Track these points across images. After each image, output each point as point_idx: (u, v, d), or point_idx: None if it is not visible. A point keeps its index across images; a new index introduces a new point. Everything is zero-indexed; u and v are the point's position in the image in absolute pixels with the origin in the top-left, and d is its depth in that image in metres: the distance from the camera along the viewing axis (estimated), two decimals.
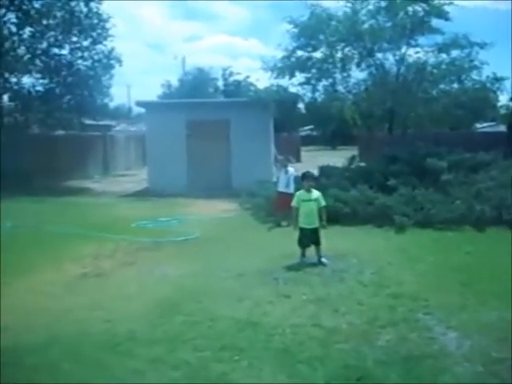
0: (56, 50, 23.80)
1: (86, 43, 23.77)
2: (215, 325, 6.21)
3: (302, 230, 9.35)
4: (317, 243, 9.26)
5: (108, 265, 9.21)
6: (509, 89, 29.68)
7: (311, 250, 9.37)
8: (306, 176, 9.66)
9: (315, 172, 17.70)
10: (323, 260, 9.12)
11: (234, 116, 20.59)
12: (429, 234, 11.64)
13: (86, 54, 23.89)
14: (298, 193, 9.67)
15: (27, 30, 23.07)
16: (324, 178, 15.82)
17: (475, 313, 6.52)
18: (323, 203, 9.47)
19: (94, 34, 23.61)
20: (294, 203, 9.46)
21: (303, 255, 9.30)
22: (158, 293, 7.50)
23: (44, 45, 23.42)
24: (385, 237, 11.50)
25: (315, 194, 9.47)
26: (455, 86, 21.92)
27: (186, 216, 14.24)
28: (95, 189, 22.53)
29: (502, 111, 40.33)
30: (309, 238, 9.27)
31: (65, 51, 23.90)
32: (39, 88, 23.99)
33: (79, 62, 24.12)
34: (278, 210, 12.97)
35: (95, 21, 23.51)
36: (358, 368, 5.06)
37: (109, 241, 11.11)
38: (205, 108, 21.76)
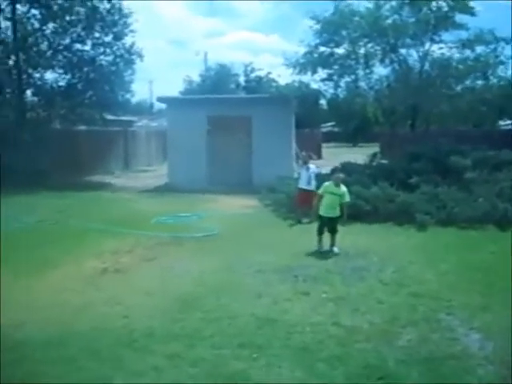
0: (78, 46, 23.85)
1: (107, 39, 23.82)
2: (234, 322, 6.17)
3: (320, 217, 9.88)
4: (333, 232, 9.72)
5: (128, 260, 9.22)
6: None
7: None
8: (336, 170, 10.26)
9: None
10: (335, 249, 9.55)
11: (256, 112, 20.50)
12: (451, 233, 11.48)
13: (107, 49, 23.93)
14: (326, 183, 10.04)
15: (50, 26, 23.13)
16: (345, 175, 15.64)
17: (498, 314, 6.39)
18: (347, 199, 9.88)
19: (116, 29, 23.66)
20: (320, 191, 9.97)
21: (320, 242, 9.76)
22: (177, 289, 7.48)
23: (67, 40, 23.50)
24: (406, 235, 11.37)
25: (342, 189, 9.84)
26: (480, 82, 21.65)
27: (206, 212, 14.22)
28: (116, 184, 22.61)
29: None
30: (326, 225, 9.76)
31: (87, 47, 23.92)
32: (62, 83, 24.07)
33: (101, 57, 24.13)
34: (298, 206, 12.91)
35: (117, 17, 23.55)
36: (379, 368, 4.99)
37: (129, 236, 11.13)
38: (226, 104, 21.70)
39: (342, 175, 10.12)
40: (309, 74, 21.48)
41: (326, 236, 9.89)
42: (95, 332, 5.90)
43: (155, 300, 7.00)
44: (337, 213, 9.75)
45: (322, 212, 9.87)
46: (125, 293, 7.34)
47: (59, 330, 5.94)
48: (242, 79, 59.01)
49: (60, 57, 23.52)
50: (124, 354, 5.32)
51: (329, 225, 9.78)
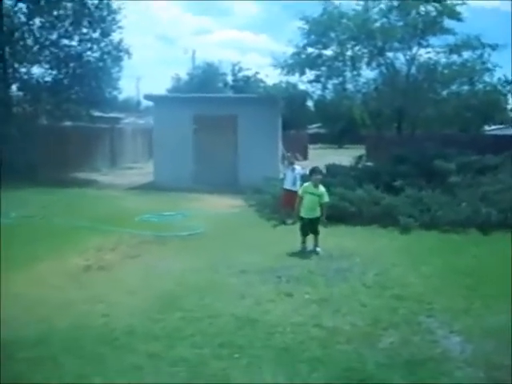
0: (66, 41, 23.74)
1: (95, 35, 23.71)
2: (215, 321, 6.16)
3: (302, 219, 10.01)
4: (315, 232, 9.87)
5: (111, 258, 9.18)
6: None
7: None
8: (314, 171, 10.22)
9: (322, 170, 17.69)
10: (317, 249, 9.68)
11: (242, 112, 20.50)
12: (434, 236, 11.56)
13: (95, 45, 23.83)
14: (305, 184, 10.26)
15: (37, 21, 23.02)
16: (330, 177, 15.72)
17: (479, 317, 6.44)
18: (326, 199, 10.01)
19: (104, 25, 23.56)
20: (300, 192, 10.11)
21: (304, 243, 9.87)
22: (160, 287, 7.46)
23: (54, 36, 23.39)
24: (390, 237, 11.42)
25: (321, 189, 9.95)
26: (466, 87, 21.80)
27: (191, 211, 14.20)
28: (102, 181, 22.53)
29: None
30: (308, 226, 9.88)
31: (74, 42, 23.83)
32: (48, 79, 23.94)
33: (88, 53, 24.06)
34: (283, 207, 12.92)
35: (105, 12, 23.46)
36: (360, 370, 5.00)
37: (113, 234, 11.09)
38: (213, 103, 21.70)
39: (320, 176, 10.16)
40: (296, 74, 21.49)
41: (311, 236, 9.95)
42: (76, 330, 5.86)
43: (137, 298, 6.97)
44: (317, 213, 9.90)
45: (302, 213, 9.99)
46: (107, 291, 7.31)
47: (40, 328, 5.89)
48: (229, 78, 59.02)
49: (47, 52, 23.41)
50: (105, 353, 5.28)
51: (310, 226, 9.91)
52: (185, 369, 4.97)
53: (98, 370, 4.95)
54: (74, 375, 4.87)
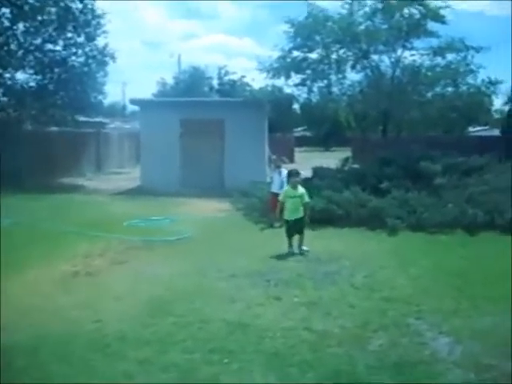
0: (50, 46, 23.58)
1: (80, 39, 23.59)
2: (206, 326, 6.15)
3: (286, 221, 10.16)
4: (300, 232, 10.04)
5: (99, 264, 9.14)
6: (504, 92, 29.82)
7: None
8: (292, 174, 10.51)
9: (308, 173, 17.77)
10: (304, 248, 9.90)
11: (229, 116, 20.53)
12: (421, 238, 11.63)
13: (80, 50, 23.71)
14: (285, 189, 10.58)
15: (21, 26, 22.86)
16: (317, 179, 15.79)
17: (468, 318, 6.49)
18: (307, 199, 10.22)
19: (89, 30, 23.44)
20: (280, 198, 10.36)
21: (291, 245, 10.00)
22: (149, 293, 7.43)
23: (38, 40, 23.21)
24: (377, 239, 11.47)
25: (300, 190, 10.19)
26: (450, 89, 21.97)
27: (179, 215, 14.16)
28: (88, 186, 22.43)
29: (496, 115, 40.43)
30: (293, 227, 10.02)
31: (59, 47, 23.67)
32: (32, 84, 23.79)
33: (73, 58, 23.91)
34: (271, 210, 12.90)
35: (90, 17, 23.35)
36: (350, 373, 5.02)
37: (100, 239, 11.04)
38: (199, 107, 21.69)
39: (298, 178, 10.33)
40: (282, 78, 21.56)
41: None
42: (66, 337, 5.83)
43: (127, 304, 6.95)
44: (300, 214, 10.06)
45: (286, 216, 10.16)
46: (96, 297, 7.28)
47: (30, 335, 5.85)
48: (215, 82, 59.07)
49: (31, 57, 23.24)
50: (96, 359, 5.27)
51: (295, 226, 10.04)
52: (176, 374, 4.97)
53: (89, 376, 4.93)
54: (65, 382, 4.84)
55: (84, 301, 7.09)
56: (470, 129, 40.48)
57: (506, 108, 33.84)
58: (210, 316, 6.48)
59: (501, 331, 6.07)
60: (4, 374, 4.98)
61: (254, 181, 16.86)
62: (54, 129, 26.03)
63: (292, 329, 6.11)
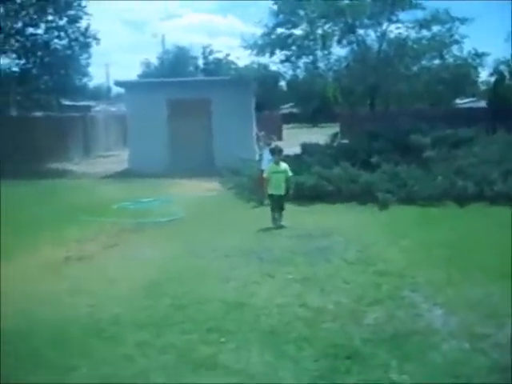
0: (31, 30, 23.33)
1: (62, 22, 23.28)
2: (202, 307, 6.16)
3: (271, 196, 10.59)
4: (281, 208, 10.47)
5: (91, 248, 9.10)
6: (490, 64, 29.86)
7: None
8: (275, 151, 11.02)
9: (297, 150, 17.75)
10: (282, 223, 10.30)
11: (215, 95, 20.40)
12: (412, 211, 11.68)
13: (62, 33, 23.40)
14: (269, 166, 10.96)
15: (0, 9, 22.51)
16: (306, 156, 15.78)
17: (461, 289, 6.54)
18: (290, 174, 10.68)
19: (70, 12, 23.11)
20: (265, 175, 10.76)
21: (275, 218, 10.39)
22: (143, 275, 7.42)
23: (19, 24, 22.91)
24: (369, 214, 11.53)
25: (283, 166, 10.65)
26: (437, 61, 21.94)
27: (169, 196, 14.13)
28: (76, 171, 22.27)
29: (483, 87, 40.45)
30: (276, 202, 10.46)
31: (40, 30, 23.41)
32: (15, 69, 23.54)
33: (56, 41, 23.65)
34: (261, 188, 12.89)
35: None
36: (346, 347, 5.05)
37: (91, 223, 10.98)
38: (185, 87, 21.53)
39: (280, 155, 10.77)
40: (267, 55, 21.41)
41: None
42: (61, 322, 5.81)
43: (121, 288, 6.93)
44: (283, 190, 10.49)
45: (271, 191, 10.56)
46: (89, 281, 7.25)
47: (24, 321, 5.83)
48: (200, 62, 58.68)
49: (12, 41, 22.94)
50: (93, 344, 5.26)
51: (278, 202, 10.47)
52: (174, 355, 4.98)
53: (85, 361, 4.93)
54: (61, 368, 4.84)
55: (77, 286, 7.05)
56: (457, 101, 40.56)
57: (492, 79, 33.83)
58: (205, 296, 6.47)
59: (493, 301, 6.13)
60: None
61: (243, 159, 16.79)
62: (40, 114, 25.80)
63: (287, 306, 6.13)
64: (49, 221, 11.32)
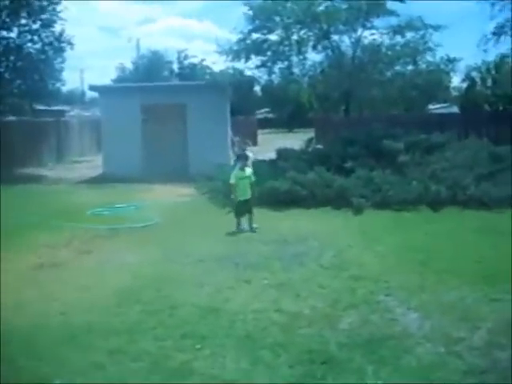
0: (4, 33, 22.94)
1: (35, 26, 22.98)
2: (176, 313, 6.11)
3: (238, 201, 10.72)
4: (249, 212, 10.64)
5: (64, 254, 8.98)
6: (461, 70, 30.24)
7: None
8: (240, 157, 11.57)
9: (272, 155, 17.76)
10: (254, 225, 10.47)
11: (190, 99, 20.33)
12: (387, 215, 11.76)
13: (35, 37, 23.09)
14: (234, 172, 11.08)
15: None
16: (281, 161, 15.80)
17: (435, 293, 6.59)
18: (253, 179, 10.94)
19: (44, 16, 22.84)
20: (231, 181, 10.87)
21: (239, 224, 10.59)
22: (116, 282, 7.34)
23: None
24: (343, 219, 11.57)
25: (248, 171, 10.96)
26: (410, 67, 22.16)
27: (143, 202, 14.02)
28: (49, 176, 21.98)
29: (455, 92, 40.96)
30: (243, 207, 10.62)
31: (13, 34, 23.05)
32: None
33: (29, 45, 23.31)
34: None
35: (45, 3, 22.74)
36: (322, 352, 5.05)
37: (64, 229, 10.83)
38: (160, 92, 21.44)
39: (246, 161, 11.09)
40: (242, 60, 21.38)
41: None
42: (33, 329, 5.72)
43: (94, 294, 6.84)
44: (249, 194, 10.72)
45: (239, 197, 10.72)
46: (62, 288, 7.15)
47: None
48: (175, 66, 58.47)
49: None
50: (64, 352, 5.17)
51: (245, 206, 10.62)
52: (148, 363, 4.92)
53: (58, 370, 4.84)
54: (33, 377, 4.74)
55: (50, 293, 6.95)
56: (430, 106, 40.99)
57: (464, 85, 34.30)
58: (179, 302, 6.43)
59: (467, 304, 6.18)
60: None
61: (219, 164, 16.74)
62: (12, 118, 25.44)
63: (263, 311, 6.11)
64: (22, 227, 11.14)
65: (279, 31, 20.99)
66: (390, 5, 20.93)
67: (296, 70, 22.86)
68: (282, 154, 17.47)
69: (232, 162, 16.00)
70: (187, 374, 4.72)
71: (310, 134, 26.51)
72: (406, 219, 11.43)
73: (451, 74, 24.97)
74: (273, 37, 21.16)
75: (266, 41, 21.19)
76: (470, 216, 11.40)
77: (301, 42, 21.11)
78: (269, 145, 27.02)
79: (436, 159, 14.30)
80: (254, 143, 34.66)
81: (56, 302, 6.57)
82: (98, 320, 5.95)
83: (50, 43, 23.27)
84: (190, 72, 53.26)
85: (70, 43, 23.75)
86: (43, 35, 23.15)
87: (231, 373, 4.74)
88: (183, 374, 4.72)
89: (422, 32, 20.96)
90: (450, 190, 12.60)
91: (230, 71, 22.18)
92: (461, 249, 8.55)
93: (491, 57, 30.15)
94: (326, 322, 5.76)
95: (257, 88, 43.98)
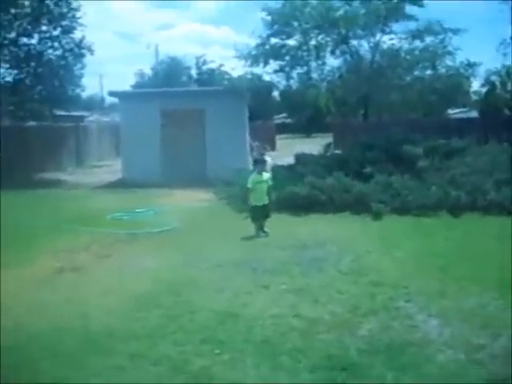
0: (25, 40, 23.25)
1: (56, 32, 23.25)
2: (195, 318, 6.12)
3: (254, 207, 10.67)
4: (267, 216, 10.66)
5: (84, 258, 9.05)
6: (481, 74, 30.04)
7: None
8: (257, 161, 11.57)
9: (291, 160, 17.76)
10: (266, 229, 10.46)
11: (209, 105, 20.41)
12: (406, 221, 11.68)
13: (56, 43, 23.36)
14: (251, 176, 10.93)
15: None
16: (300, 166, 15.79)
17: (455, 299, 6.53)
18: (271, 183, 10.87)
19: (64, 23, 23.11)
20: (248, 185, 10.76)
21: (258, 229, 10.51)
22: (136, 286, 7.37)
23: (12, 34, 22.85)
24: (362, 224, 11.52)
25: (265, 176, 10.88)
26: (429, 72, 22.08)
27: (162, 207, 14.08)
28: (69, 181, 22.20)
29: (474, 97, 40.65)
30: (261, 212, 10.59)
31: (34, 41, 23.34)
32: (9, 79, 23.45)
33: (49, 51, 23.58)
34: None
35: (65, 9, 23.01)
36: (342, 358, 5.02)
37: (84, 234, 10.92)
38: (179, 97, 21.57)
39: (263, 166, 11.08)
40: (261, 65, 21.47)
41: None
42: (55, 333, 5.76)
43: (114, 299, 6.88)
44: (266, 199, 10.67)
45: (254, 202, 10.64)
46: (82, 292, 7.20)
47: (17, 334, 5.77)
48: (193, 72, 58.71)
49: (6, 51, 22.85)
50: (85, 356, 5.20)
51: (263, 211, 10.60)
52: (167, 367, 4.93)
53: (79, 373, 4.88)
54: (55, 380, 4.78)
55: (70, 297, 7.00)
56: (449, 111, 40.72)
57: (484, 90, 34.05)
58: (198, 307, 6.44)
59: (488, 311, 6.13)
60: None
61: (238, 169, 16.76)
62: (33, 123, 25.72)
63: (281, 316, 6.10)
64: (42, 231, 11.26)
65: (297, 36, 21.08)
66: (408, 9, 20.94)
67: (314, 75, 22.94)
68: (301, 159, 17.48)
69: (251, 167, 16.02)
70: (206, 379, 4.73)
71: (329, 138, 26.51)
72: (426, 225, 11.35)
73: (471, 78, 24.80)
74: (291, 42, 21.27)
75: (284, 46, 21.27)
76: (490, 222, 11.29)
77: (319, 47, 21.17)
78: (287, 150, 27.02)
79: (456, 164, 14.21)
80: (273, 148, 34.69)
81: (77, 306, 6.61)
82: (119, 324, 5.99)
83: (71, 49, 23.54)
84: (209, 77, 53.49)
85: (89, 49, 24.03)
86: (63, 42, 23.44)
87: (251, 378, 4.74)
88: (202, 379, 4.73)
89: (441, 36, 20.94)
90: (470, 195, 12.49)
91: (249, 76, 22.28)
92: (481, 255, 8.46)
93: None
94: (345, 327, 5.73)
95: (275, 93, 43.99)
